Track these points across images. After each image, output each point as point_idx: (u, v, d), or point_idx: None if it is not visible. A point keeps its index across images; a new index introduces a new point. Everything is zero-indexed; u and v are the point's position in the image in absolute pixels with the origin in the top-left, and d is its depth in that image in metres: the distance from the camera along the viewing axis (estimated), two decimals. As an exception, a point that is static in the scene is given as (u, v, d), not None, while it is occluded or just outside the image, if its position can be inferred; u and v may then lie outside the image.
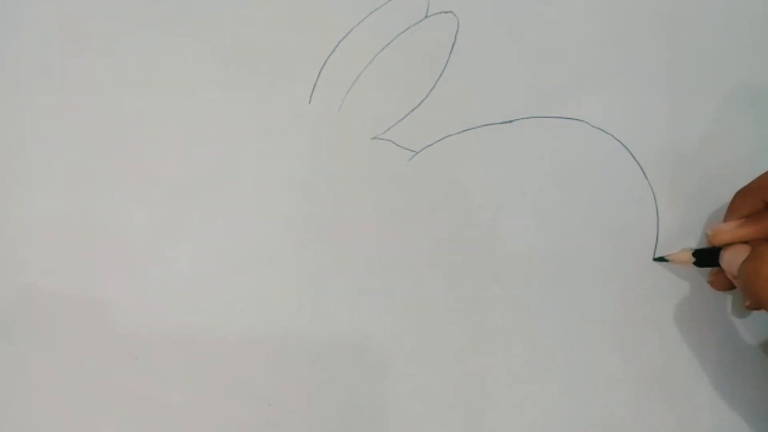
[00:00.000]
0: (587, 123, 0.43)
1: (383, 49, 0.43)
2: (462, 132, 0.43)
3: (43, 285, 0.42)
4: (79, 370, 0.42)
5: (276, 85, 0.43)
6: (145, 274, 0.42)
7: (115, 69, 0.43)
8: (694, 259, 0.41)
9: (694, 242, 0.43)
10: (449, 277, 0.42)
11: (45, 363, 0.42)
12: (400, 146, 0.43)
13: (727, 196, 0.42)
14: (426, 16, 0.44)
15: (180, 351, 0.42)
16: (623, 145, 0.43)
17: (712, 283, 0.41)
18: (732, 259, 0.39)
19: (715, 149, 0.43)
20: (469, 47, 0.43)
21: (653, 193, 0.43)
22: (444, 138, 0.43)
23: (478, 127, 0.43)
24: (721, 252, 0.40)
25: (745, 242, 0.39)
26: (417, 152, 0.43)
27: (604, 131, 0.43)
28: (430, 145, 0.43)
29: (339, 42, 0.43)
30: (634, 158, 0.43)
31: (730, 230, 0.39)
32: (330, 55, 0.43)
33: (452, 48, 0.43)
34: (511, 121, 0.43)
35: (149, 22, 0.44)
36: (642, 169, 0.43)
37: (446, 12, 0.44)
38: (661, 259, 0.42)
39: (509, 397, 0.42)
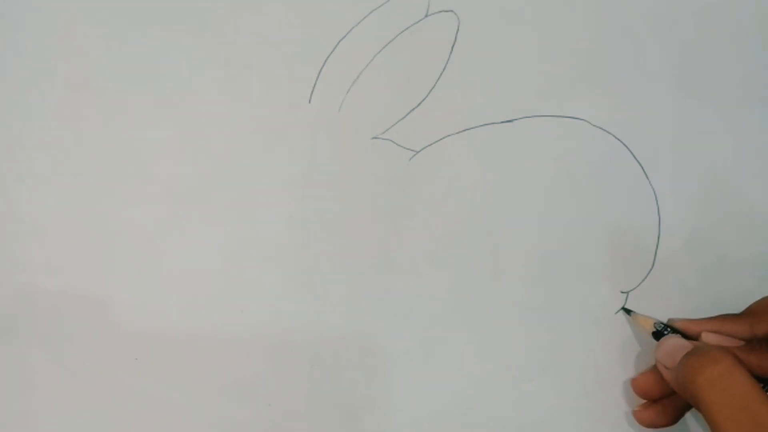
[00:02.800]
0: (588, 122, 0.43)
1: (383, 48, 0.43)
2: (462, 132, 0.43)
3: (43, 285, 0.42)
4: (79, 369, 0.42)
5: (276, 85, 0.43)
6: (145, 274, 0.42)
7: (115, 69, 0.43)
8: (654, 329, 0.40)
9: (695, 242, 0.43)
10: (449, 277, 0.42)
11: (45, 363, 0.42)
12: (400, 146, 0.43)
13: (728, 196, 0.42)
14: (426, 15, 0.43)
15: (180, 351, 0.42)
16: (624, 144, 0.43)
17: (635, 414, 0.41)
18: (670, 350, 0.38)
19: (716, 148, 0.43)
20: (470, 46, 0.43)
21: (654, 192, 0.43)
22: (444, 138, 0.43)
23: (478, 126, 0.43)
24: (661, 340, 0.39)
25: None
26: (417, 152, 0.43)
27: (605, 131, 0.43)
28: (430, 145, 0.43)
29: (339, 42, 0.43)
30: (635, 158, 0.43)
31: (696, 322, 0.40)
32: (330, 55, 0.43)
33: (453, 47, 0.43)
34: (511, 121, 0.43)
35: (149, 22, 0.43)
36: (643, 169, 0.43)
37: (447, 11, 0.43)
38: (627, 311, 0.42)
39: (509, 396, 0.42)
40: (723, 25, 0.43)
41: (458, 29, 0.43)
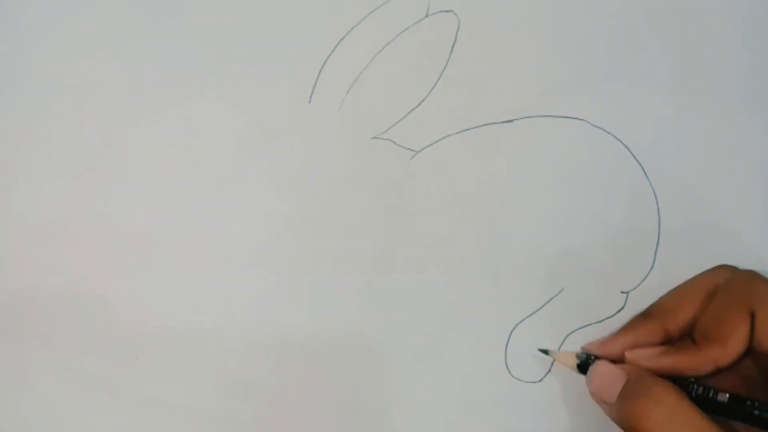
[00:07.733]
0: (588, 122, 0.43)
1: (383, 48, 0.43)
2: (462, 132, 0.43)
3: (43, 285, 0.42)
4: (79, 370, 0.42)
5: (276, 85, 0.43)
6: (145, 274, 0.42)
7: (115, 68, 0.43)
8: (578, 361, 0.39)
9: (695, 242, 0.43)
10: (449, 277, 0.42)
11: (45, 363, 0.42)
12: (400, 146, 0.43)
13: (729, 197, 0.42)
14: (426, 15, 0.43)
15: (180, 351, 0.42)
16: (624, 144, 0.43)
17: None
18: (604, 382, 0.36)
19: (716, 149, 0.43)
20: (470, 46, 0.43)
21: (654, 193, 0.43)
22: (444, 138, 0.43)
23: (478, 126, 0.43)
24: (590, 369, 0.37)
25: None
26: (417, 152, 0.43)
27: (605, 131, 0.43)
28: (430, 145, 0.43)
29: (339, 42, 0.43)
30: (635, 158, 0.43)
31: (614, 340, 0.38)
32: (330, 55, 0.43)
33: (453, 47, 0.43)
34: (511, 121, 0.43)
35: (149, 22, 0.44)
36: (643, 169, 0.43)
37: (447, 11, 0.44)
38: (544, 351, 0.41)
39: (510, 397, 0.42)
40: (723, 24, 0.43)
41: (458, 29, 0.43)
